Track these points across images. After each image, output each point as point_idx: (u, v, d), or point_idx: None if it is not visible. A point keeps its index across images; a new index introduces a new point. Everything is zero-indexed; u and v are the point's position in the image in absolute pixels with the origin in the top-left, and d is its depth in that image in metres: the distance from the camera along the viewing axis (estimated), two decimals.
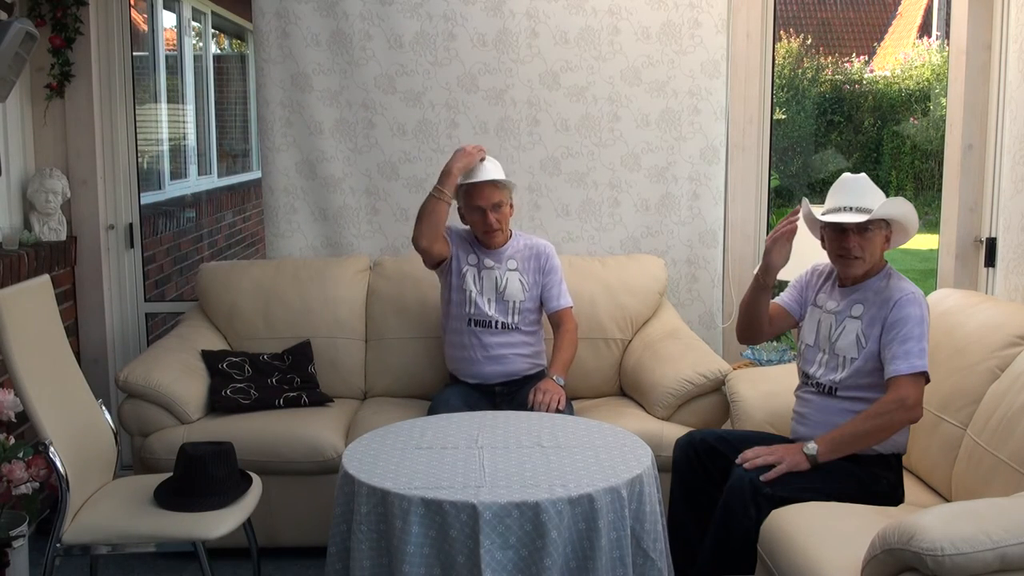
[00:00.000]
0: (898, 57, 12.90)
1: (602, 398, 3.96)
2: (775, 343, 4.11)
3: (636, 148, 4.33)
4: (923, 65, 11.84)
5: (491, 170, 3.50)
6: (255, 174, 8.66)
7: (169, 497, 2.77)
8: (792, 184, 10.81)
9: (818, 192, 10.17)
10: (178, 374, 3.59)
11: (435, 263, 3.58)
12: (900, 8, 15.06)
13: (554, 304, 3.53)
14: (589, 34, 4.26)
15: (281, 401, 3.69)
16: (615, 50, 4.27)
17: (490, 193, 3.51)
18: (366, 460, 2.62)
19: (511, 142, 4.30)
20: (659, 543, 2.55)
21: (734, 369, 3.69)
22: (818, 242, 3.04)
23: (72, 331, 4.15)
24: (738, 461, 2.83)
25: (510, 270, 3.50)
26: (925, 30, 13.79)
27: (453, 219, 4.17)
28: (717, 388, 3.59)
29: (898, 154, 11.41)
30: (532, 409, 3.22)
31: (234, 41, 10.25)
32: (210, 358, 3.79)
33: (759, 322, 3.11)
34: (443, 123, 4.28)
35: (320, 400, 3.76)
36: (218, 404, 3.63)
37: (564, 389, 3.35)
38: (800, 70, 11.66)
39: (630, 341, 4.07)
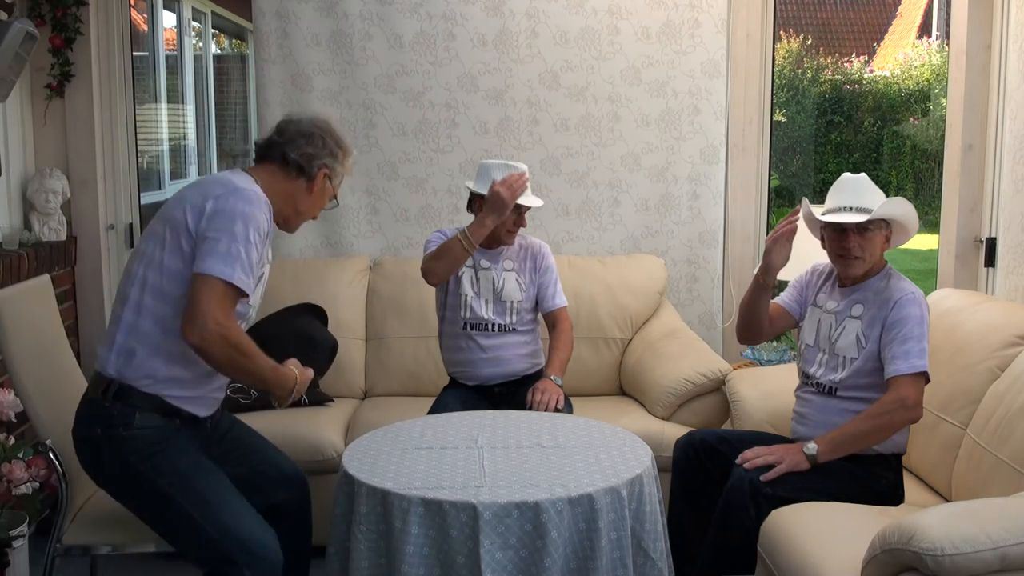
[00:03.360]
0: (898, 57, 12.90)
1: (602, 397, 3.97)
2: (775, 343, 4.11)
3: (636, 148, 4.33)
4: (923, 65, 11.83)
5: (531, 195, 3.45)
6: None
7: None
8: (792, 184, 10.80)
9: (819, 193, 10.16)
10: None
11: None
12: (900, 8, 15.05)
13: (550, 304, 3.52)
14: (589, 34, 4.26)
15: None
16: (615, 50, 4.27)
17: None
18: (366, 460, 2.61)
19: (511, 142, 4.30)
20: (659, 543, 2.55)
21: (734, 369, 3.69)
22: (818, 242, 3.04)
23: (72, 331, 4.15)
24: (738, 461, 2.83)
25: (506, 270, 3.50)
26: (925, 30, 13.79)
27: (448, 219, 4.18)
28: (717, 388, 3.60)
29: (898, 154, 11.41)
30: (531, 409, 3.22)
31: (234, 41, 10.26)
32: None
33: (759, 322, 3.11)
34: (443, 123, 4.28)
35: (320, 400, 3.77)
36: None
37: (562, 388, 3.35)
38: (800, 70, 11.65)
39: (630, 340, 4.07)
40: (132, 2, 4.42)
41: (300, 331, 3.05)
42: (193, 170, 8.52)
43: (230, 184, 2.46)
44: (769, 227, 4.40)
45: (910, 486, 2.98)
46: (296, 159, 2.59)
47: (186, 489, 2.44)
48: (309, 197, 2.65)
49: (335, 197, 2.74)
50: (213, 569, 2.45)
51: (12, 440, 2.90)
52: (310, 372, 2.68)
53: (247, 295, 2.42)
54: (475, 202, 3.42)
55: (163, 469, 2.43)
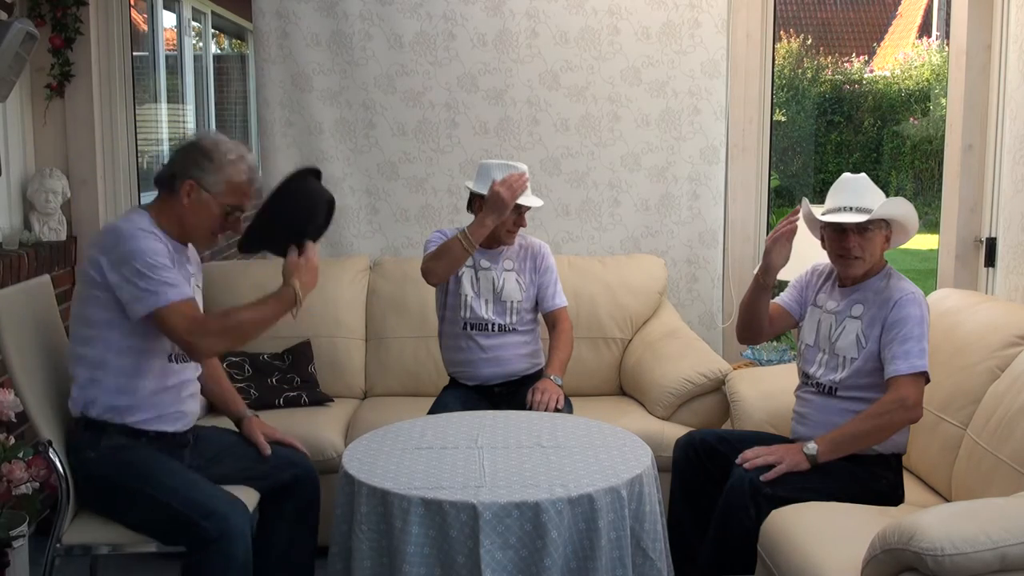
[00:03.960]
0: (898, 57, 12.91)
1: (602, 397, 3.97)
2: (775, 343, 4.11)
3: (636, 148, 4.33)
4: (923, 65, 11.85)
5: (531, 195, 3.44)
6: None
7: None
8: (792, 184, 10.81)
9: (819, 193, 10.16)
10: None
11: None
12: (900, 8, 15.07)
13: (550, 304, 3.52)
14: (589, 34, 4.26)
15: (281, 401, 3.69)
16: (615, 50, 4.27)
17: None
18: (366, 460, 2.62)
19: (511, 142, 4.30)
20: (659, 543, 2.55)
21: (734, 369, 3.69)
22: (818, 242, 3.04)
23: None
24: (738, 461, 2.83)
25: (506, 270, 3.50)
26: (925, 30, 13.80)
27: (448, 219, 4.18)
28: (717, 388, 3.60)
29: (898, 154, 11.42)
30: (531, 409, 3.22)
31: (234, 41, 10.25)
32: None
33: (759, 322, 3.11)
34: (443, 123, 4.29)
35: (320, 400, 3.77)
36: None
37: (562, 388, 3.35)
38: (800, 70, 11.67)
39: (630, 340, 4.07)
40: (132, 2, 4.42)
41: (291, 211, 2.86)
42: None
43: (113, 232, 2.64)
44: (769, 227, 4.40)
45: (910, 486, 2.98)
46: (162, 180, 2.72)
47: (148, 478, 2.62)
48: (189, 211, 2.71)
49: (237, 205, 2.73)
50: (190, 544, 2.58)
51: (12, 440, 2.90)
52: (313, 262, 2.72)
53: (192, 296, 2.64)
54: (475, 202, 3.42)
55: (122, 467, 2.63)
